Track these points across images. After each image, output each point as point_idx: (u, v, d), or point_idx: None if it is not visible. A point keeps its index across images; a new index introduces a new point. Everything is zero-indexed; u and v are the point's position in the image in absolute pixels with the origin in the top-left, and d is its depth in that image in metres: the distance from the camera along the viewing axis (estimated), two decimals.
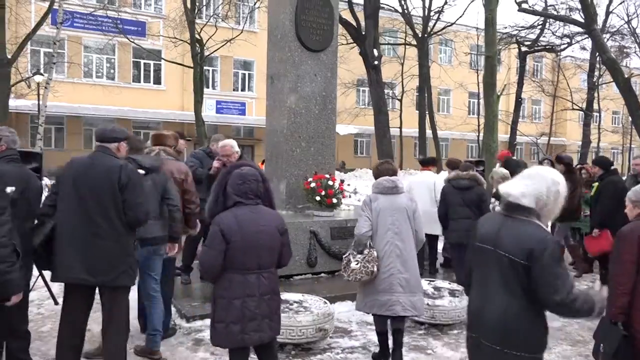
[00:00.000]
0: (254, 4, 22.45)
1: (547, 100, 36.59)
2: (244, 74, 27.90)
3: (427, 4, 26.50)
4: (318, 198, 6.15)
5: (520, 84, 27.84)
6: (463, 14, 26.18)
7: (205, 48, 19.21)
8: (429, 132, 27.07)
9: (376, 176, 4.24)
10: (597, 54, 27.24)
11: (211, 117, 25.15)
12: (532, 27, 26.93)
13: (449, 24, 26.64)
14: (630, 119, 24.89)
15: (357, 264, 3.88)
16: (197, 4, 19.21)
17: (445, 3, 26.11)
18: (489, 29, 11.30)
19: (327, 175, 6.40)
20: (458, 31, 30.55)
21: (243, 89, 27.95)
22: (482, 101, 30.92)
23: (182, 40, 19.27)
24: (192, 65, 18.28)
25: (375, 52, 20.72)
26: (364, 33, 20.54)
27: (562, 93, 32.89)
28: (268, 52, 7.15)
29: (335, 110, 6.99)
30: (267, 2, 7.35)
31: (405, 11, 25.85)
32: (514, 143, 28.60)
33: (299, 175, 6.61)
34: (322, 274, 6.01)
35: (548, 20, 25.12)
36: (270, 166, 6.93)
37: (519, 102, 28.13)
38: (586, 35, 25.90)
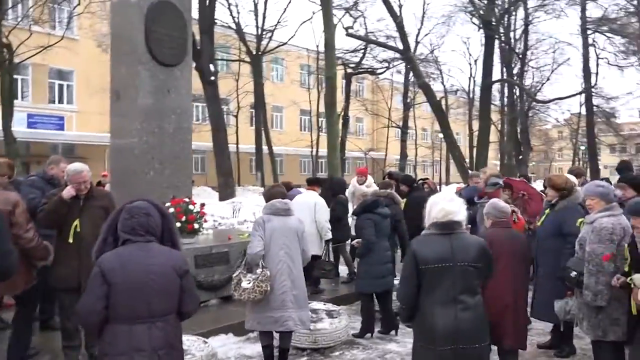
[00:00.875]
0: (73, 8, 20.42)
1: (369, 118, 39.98)
2: (62, 85, 25.07)
3: (260, 23, 27.09)
4: (178, 224, 5.67)
5: (346, 103, 29.89)
6: (294, 34, 27.30)
7: (15, 54, 16.78)
8: (264, 148, 27.50)
9: (268, 198, 4.47)
10: (412, 77, 30.69)
11: (22, 132, 21.94)
12: (355, 50, 29.28)
13: (281, 44, 27.46)
14: (439, 135, 28.58)
15: (249, 283, 4.02)
16: (2, 3, 16.74)
17: (278, 23, 26.90)
18: (329, 51, 11.88)
19: (187, 199, 5.97)
20: (289, 50, 31.64)
21: (61, 101, 25.07)
22: (313, 118, 32.63)
23: None
24: None
25: (212, 67, 20.40)
26: (199, 48, 20.01)
27: (381, 112, 36.24)
28: (112, 64, 6.44)
29: (190, 128, 6.58)
30: (110, 11, 6.64)
31: (239, 28, 26.01)
32: (343, 158, 30.56)
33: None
34: None
35: (369, 46, 27.54)
36: (118, 191, 6.19)
37: (346, 120, 30.15)
38: (401, 61, 29.08)
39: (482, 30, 20.23)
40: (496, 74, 26.68)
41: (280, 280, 4.10)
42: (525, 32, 23.77)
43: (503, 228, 4.00)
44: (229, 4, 25.39)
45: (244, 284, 4.00)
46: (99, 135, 25.01)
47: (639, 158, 36.52)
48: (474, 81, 37.54)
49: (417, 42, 29.87)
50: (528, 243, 4.28)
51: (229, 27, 26.23)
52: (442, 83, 36.33)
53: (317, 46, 28.87)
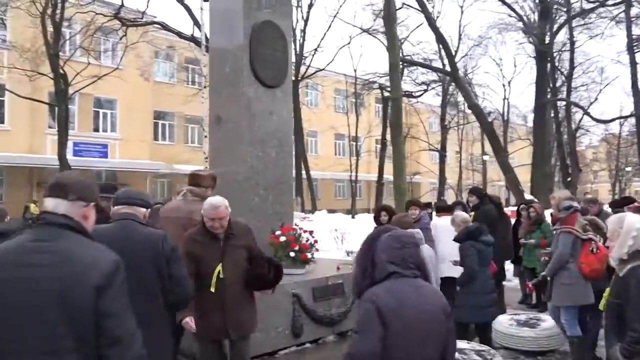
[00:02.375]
0: (120, 38, 20.74)
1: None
2: (106, 113, 25.38)
3: (297, 49, 27.20)
4: (292, 254, 5.33)
5: (384, 126, 29.58)
6: (333, 59, 27.36)
7: (69, 84, 16.99)
8: (302, 173, 27.30)
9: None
10: (450, 99, 30.35)
11: (68, 160, 22.23)
12: (387, 74, 29.17)
13: (319, 69, 27.50)
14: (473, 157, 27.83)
15: None
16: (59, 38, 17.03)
17: (317, 48, 26.99)
18: (394, 73, 11.65)
19: (296, 226, 5.63)
20: (326, 76, 31.69)
21: (105, 130, 25.35)
22: (346, 142, 32.27)
23: (40, 74, 16.78)
24: (48, 101, 16.01)
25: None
26: None
27: (416, 135, 35.85)
28: (212, 87, 6.24)
29: (291, 152, 6.30)
30: (209, 31, 6.46)
31: None
32: (382, 182, 30.11)
33: (259, 227, 5.71)
34: (307, 344, 5.15)
35: (407, 68, 27.37)
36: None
37: (384, 144, 29.84)
38: (440, 83, 28.81)
39: (519, 50, 19.87)
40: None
41: None
42: (571, 51, 23.27)
43: None
44: None
45: None
46: (140, 162, 25.26)
47: None
48: (508, 103, 37.15)
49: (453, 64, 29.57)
50: None
51: None
52: (467, 105, 35.93)
53: (355, 70, 28.80)
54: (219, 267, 3.36)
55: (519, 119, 41.53)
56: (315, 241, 5.60)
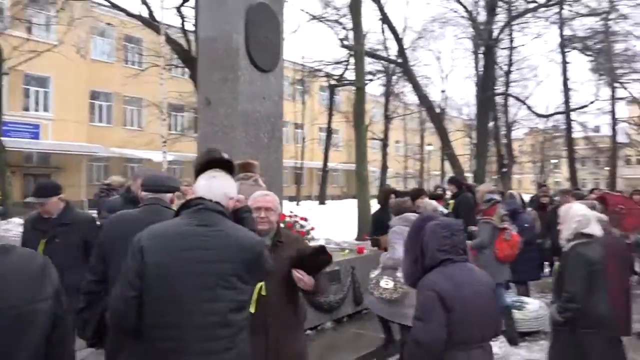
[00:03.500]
0: (57, 11, 19.36)
1: (344, 130, 40.04)
2: (37, 91, 23.70)
3: None
4: None
5: (330, 114, 29.83)
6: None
7: (3, 60, 15.69)
8: None
9: (397, 212, 4.86)
10: (394, 89, 31.02)
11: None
12: (338, 62, 29.26)
13: None
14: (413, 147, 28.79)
15: (388, 284, 4.52)
16: None
17: None
18: (359, 62, 11.71)
19: (291, 213, 5.59)
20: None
21: (37, 109, 23.68)
22: (296, 130, 32.26)
23: None
24: None
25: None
26: (194, 56, 19.39)
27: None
28: (201, 68, 6.01)
29: (281, 138, 6.20)
30: (199, 10, 6.19)
31: None
32: (327, 169, 30.42)
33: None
34: (307, 331, 5.13)
35: (352, 58, 27.55)
36: None
37: (330, 131, 30.11)
38: (384, 73, 29.32)
39: (457, 43, 20.51)
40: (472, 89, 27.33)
41: None
42: (511, 48, 24.44)
43: (608, 232, 4.35)
44: None
45: (383, 284, 4.51)
46: (75, 145, 23.82)
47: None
48: (446, 95, 38.46)
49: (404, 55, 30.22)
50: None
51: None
52: (417, 96, 36.90)
53: (303, 58, 28.69)
54: (261, 282, 2.73)
55: (454, 111, 43.23)
56: (312, 228, 5.59)
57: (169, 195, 2.95)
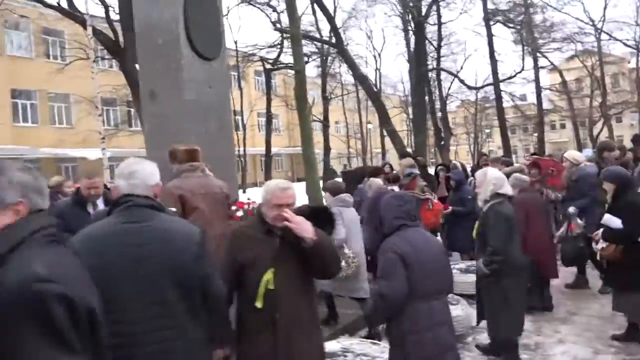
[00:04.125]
0: None
1: (284, 114, 39.88)
2: None
3: None
4: None
5: (269, 99, 29.56)
6: None
7: None
8: None
9: (335, 192, 5.18)
10: (331, 70, 31.12)
11: None
12: (273, 46, 28.96)
13: None
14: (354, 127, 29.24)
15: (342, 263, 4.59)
16: None
17: None
18: (296, 45, 11.64)
19: (249, 200, 5.56)
20: None
21: None
22: (236, 117, 31.70)
23: None
24: None
25: (138, 67, 19.02)
26: (123, 47, 18.57)
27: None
28: (141, 60, 5.79)
29: (232, 127, 6.12)
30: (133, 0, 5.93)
31: None
32: (270, 155, 30.21)
33: None
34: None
35: (286, 41, 27.39)
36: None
37: (269, 116, 29.87)
38: (319, 55, 29.36)
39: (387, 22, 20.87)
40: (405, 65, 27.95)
41: (363, 258, 4.94)
42: (439, 24, 25.10)
43: (530, 192, 5.56)
44: None
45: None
46: (0, 147, 22.36)
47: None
48: (380, 73, 39.07)
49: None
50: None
51: None
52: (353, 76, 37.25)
53: (236, 43, 28.20)
54: (269, 275, 2.48)
55: (388, 88, 44.02)
56: None
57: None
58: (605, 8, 39.38)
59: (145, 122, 5.76)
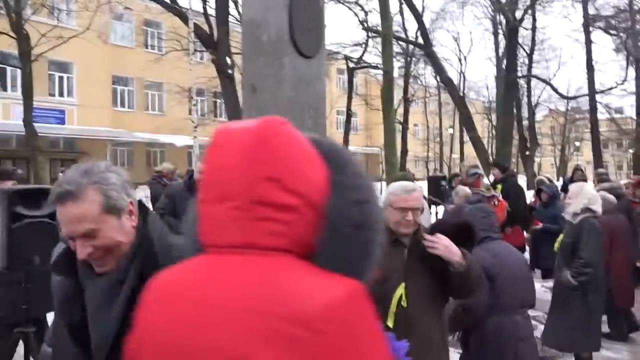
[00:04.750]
0: None
1: (362, 113, 39.91)
2: (62, 77, 23.99)
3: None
4: None
5: (349, 98, 29.67)
6: None
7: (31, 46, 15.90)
8: None
9: None
10: (413, 72, 30.79)
11: (21, 126, 20.97)
12: (357, 45, 29.04)
13: None
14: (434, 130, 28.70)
15: None
16: None
17: None
18: (387, 46, 11.66)
19: None
20: None
21: (61, 94, 23.99)
22: None
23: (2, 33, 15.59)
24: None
25: (229, 60, 19.84)
26: (216, 40, 19.43)
27: (377, 106, 36.19)
28: (245, 55, 6.05)
29: (325, 125, 6.25)
30: None
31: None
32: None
33: None
34: None
35: (371, 40, 27.37)
36: None
37: (349, 115, 30.00)
38: (403, 56, 29.05)
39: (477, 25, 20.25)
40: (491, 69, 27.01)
41: None
42: (533, 28, 24.05)
43: (614, 214, 5.34)
44: None
45: None
46: (100, 130, 24.15)
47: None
48: (464, 77, 38.04)
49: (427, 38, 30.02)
50: None
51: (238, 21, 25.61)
52: (436, 78, 36.56)
53: None
54: (401, 290, 2.23)
55: (471, 92, 42.77)
56: None
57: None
58: None
59: (245, 114, 6.02)
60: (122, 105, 27.60)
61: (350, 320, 0.80)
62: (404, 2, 19.96)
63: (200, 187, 0.95)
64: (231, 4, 22.43)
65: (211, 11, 19.99)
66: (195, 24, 17.07)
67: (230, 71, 19.27)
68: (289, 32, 5.67)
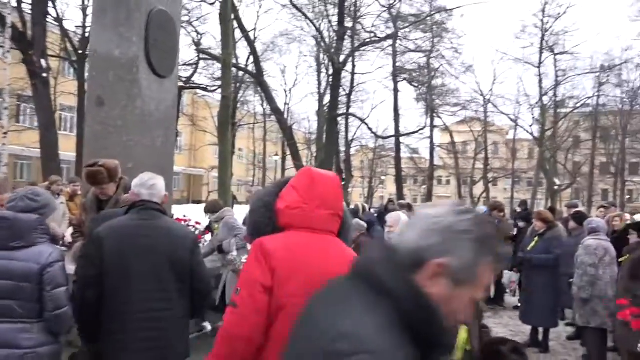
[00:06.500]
0: None
1: (188, 134, 39.20)
2: None
3: (86, 21, 24.70)
4: None
5: (177, 117, 29.00)
6: None
7: None
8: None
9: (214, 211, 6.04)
10: (243, 97, 31.46)
11: None
12: (187, 64, 28.71)
13: None
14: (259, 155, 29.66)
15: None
16: None
17: None
18: (227, 71, 11.90)
19: (184, 217, 5.74)
20: None
21: None
22: None
23: None
24: None
25: (44, 63, 17.93)
26: (30, 40, 17.49)
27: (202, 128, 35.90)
28: (93, 65, 5.81)
29: (174, 143, 6.27)
30: (95, 11, 5.94)
31: (61, 23, 23.37)
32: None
33: None
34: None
35: (205, 61, 27.37)
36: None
37: (176, 134, 29.25)
38: (233, 82, 29.56)
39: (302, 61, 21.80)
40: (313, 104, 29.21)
41: None
42: (352, 73, 26.71)
43: None
44: None
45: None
46: None
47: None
48: (289, 109, 40.11)
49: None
50: None
51: (55, 21, 23.39)
52: (262, 106, 37.86)
53: None
54: (464, 333, 2.00)
55: (295, 124, 45.10)
56: (206, 232, 5.80)
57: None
58: (493, 83, 44.19)
59: (88, 126, 5.74)
60: None
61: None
62: (238, 30, 20.49)
63: (301, 199, 1.93)
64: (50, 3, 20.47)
65: (25, 6, 18.09)
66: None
67: (45, 74, 17.46)
68: (145, 50, 5.68)
